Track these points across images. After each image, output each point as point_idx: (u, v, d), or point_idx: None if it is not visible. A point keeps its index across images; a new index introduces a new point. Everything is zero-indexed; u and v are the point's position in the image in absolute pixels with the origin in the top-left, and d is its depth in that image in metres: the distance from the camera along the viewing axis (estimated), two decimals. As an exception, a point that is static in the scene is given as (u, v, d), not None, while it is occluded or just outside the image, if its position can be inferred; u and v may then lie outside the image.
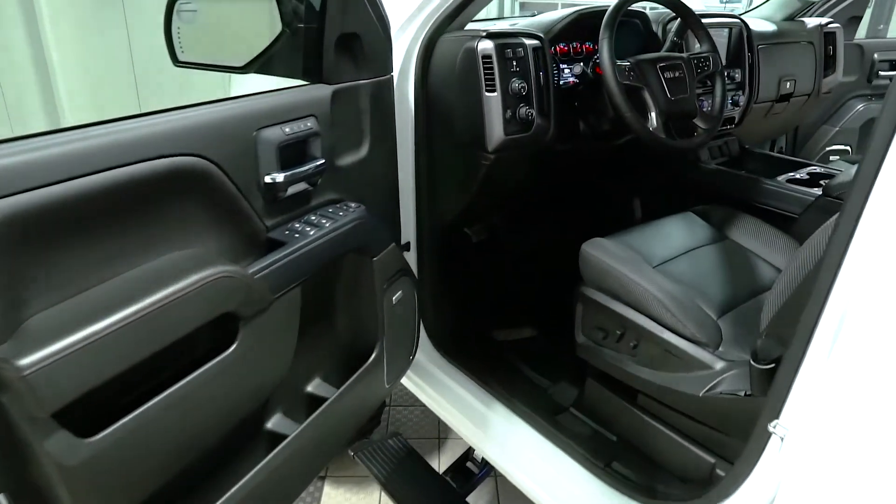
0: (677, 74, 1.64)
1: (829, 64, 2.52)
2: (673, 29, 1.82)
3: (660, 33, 1.95)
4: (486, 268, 2.08)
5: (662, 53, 1.70)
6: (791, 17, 2.52)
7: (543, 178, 1.99)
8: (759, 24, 2.34)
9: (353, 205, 1.40)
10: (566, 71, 1.69)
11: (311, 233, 1.20)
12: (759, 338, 1.13)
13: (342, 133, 1.36)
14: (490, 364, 1.89)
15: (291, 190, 1.20)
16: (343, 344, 1.47)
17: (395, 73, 1.61)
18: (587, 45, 1.91)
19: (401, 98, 1.63)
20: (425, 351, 1.91)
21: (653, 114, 1.59)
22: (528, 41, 1.58)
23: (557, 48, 1.84)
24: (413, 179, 1.77)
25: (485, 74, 1.51)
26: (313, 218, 1.30)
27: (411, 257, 1.88)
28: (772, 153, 2.22)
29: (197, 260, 0.97)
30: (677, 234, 1.75)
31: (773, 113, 2.41)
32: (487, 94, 1.52)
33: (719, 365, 1.35)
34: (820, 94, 2.53)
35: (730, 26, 2.11)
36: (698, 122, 1.67)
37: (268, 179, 1.15)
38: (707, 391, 1.34)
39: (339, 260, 1.32)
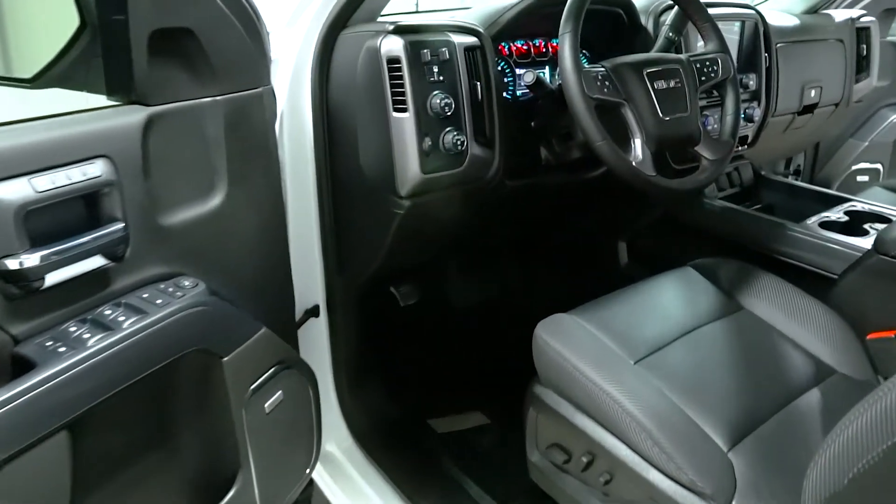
0: (673, 84, 1.16)
1: (861, 66, 2.06)
2: (668, 21, 1.33)
3: (650, 27, 1.46)
4: (420, 337, 1.60)
5: (652, 55, 1.22)
6: (814, 10, 2.04)
7: (493, 223, 1.51)
8: (778, 17, 1.86)
9: (187, 282, 0.93)
10: (525, 78, 1.21)
11: (93, 341, 0.79)
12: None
13: (170, 177, 0.94)
14: (423, 470, 1.42)
15: (57, 276, 0.79)
16: (190, 486, 1.01)
17: (285, 84, 1.18)
18: (554, 42, 1.43)
19: (293, 119, 1.19)
20: (341, 442, 1.48)
21: (637, 141, 1.11)
22: (456, 38, 1.10)
23: (512, 47, 1.36)
24: (317, 225, 1.29)
25: (391, 86, 1.04)
26: (108, 312, 0.84)
27: (321, 324, 1.40)
28: (796, 182, 1.74)
29: None
30: (672, 303, 1.27)
31: (794, 128, 1.94)
32: (396, 114, 1.05)
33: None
34: (850, 103, 2.06)
35: (742, 19, 1.63)
36: (702, 150, 1.19)
37: (8, 264, 0.73)
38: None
39: (167, 369, 0.86)
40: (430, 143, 1.07)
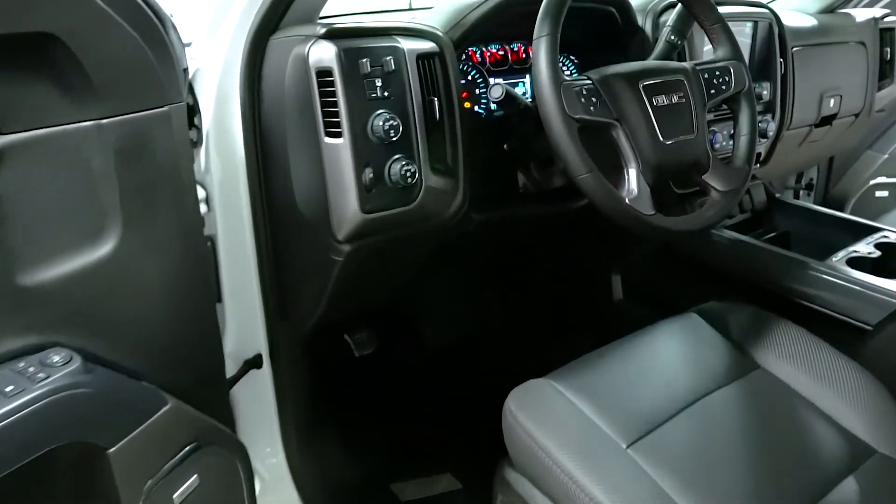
0: (676, 99, 0.94)
1: (885, 72, 1.85)
2: (669, 22, 1.11)
3: (648, 29, 1.24)
4: (382, 389, 1.39)
5: (651, 63, 1.00)
6: (831, 8, 1.82)
7: (460, 261, 1.29)
8: (791, 16, 1.64)
9: (57, 357, 0.74)
10: (492, 93, 0.99)
11: None
12: None
13: (35, 224, 0.74)
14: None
15: None
16: None
17: (210, 99, 0.99)
18: None
19: (222, 140, 1.01)
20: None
21: (632, 171, 0.89)
22: (407, 43, 0.89)
23: (485, 53, 1.15)
24: (255, 263, 1.08)
25: (322, 105, 0.82)
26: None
27: (265, 376, 1.19)
28: (816, 207, 1.53)
29: None
30: (674, 362, 1.06)
31: (810, 141, 1.73)
32: (328, 140, 0.84)
33: None
34: (871, 113, 1.85)
35: (755, 19, 1.41)
36: (712, 180, 0.97)
37: None
38: None
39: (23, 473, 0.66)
40: (371, 174, 0.86)
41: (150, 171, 0.82)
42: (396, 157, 0.88)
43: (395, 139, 0.86)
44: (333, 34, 0.85)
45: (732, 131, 1.37)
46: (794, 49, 1.53)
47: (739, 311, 1.16)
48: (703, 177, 0.97)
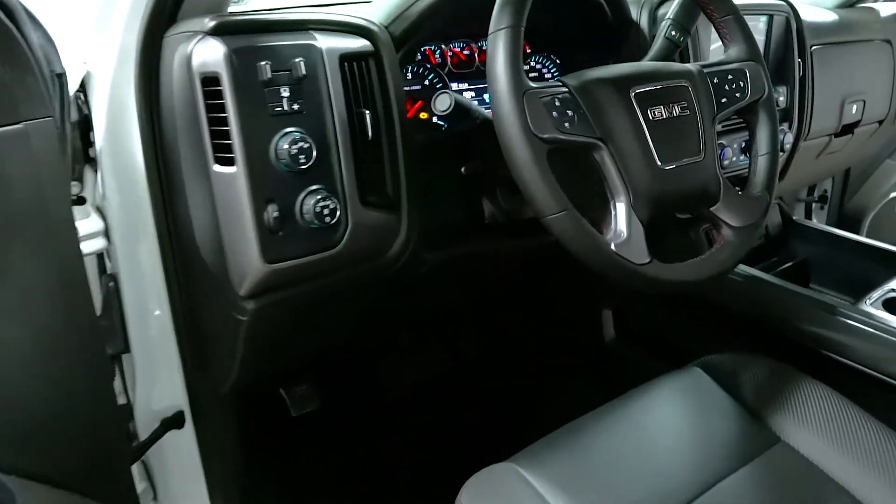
0: (678, 111, 0.73)
1: (911, 74, 1.62)
2: (670, 15, 0.89)
3: (644, 24, 1.04)
4: (329, 449, 1.18)
5: (646, 65, 0.79)
6: (851, 2, 1.61)
7: (418, 305, 1.08)
8: (808, 11, 1.43)
9: None
10: (438, 104, 0.77)
11: None
12: None
13: None
14: None
15: None
16: None
17: (102, 112, 0.79)
18: None
19: (120, 161, 0.81)
20: None
21: (620, 206, 0.68)
22: (326, 41, 0.68)
23: (446, 52, 0.95)
24: (168, 306, 0.87)
25: (210, 122, 0.61)
26: None
27: (187, 437, 0.98)
28: (839, 232, 1.32)
29: None
30: (673, 435, 0.86)
31: (829, 152, 1.53)
32: (218, 167, 0.62)
33: None
34: (896, 121, 1.64)
35: (770, 12, 1.20)
36: (724, 212, 0.76)
37: None
38: None
39: None
40: (277, 213, 0.65)
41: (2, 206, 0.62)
42: (311, 188, 0.67)
43: (307, 166, 0.65)
44: (224, 29, 0.64)
45: (744, 144, 1.17)
46: (814, 48, 1.33)
47: (753, 364, 0.95)
48: (712, 209, 0.76)
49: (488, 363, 1.32)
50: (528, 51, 1.05)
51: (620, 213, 0.68)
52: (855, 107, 1.49)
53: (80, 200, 0.86)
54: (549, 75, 1.08)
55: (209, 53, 0.63)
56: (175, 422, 0.98)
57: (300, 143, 0.64)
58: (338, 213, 0.68)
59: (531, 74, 1.06)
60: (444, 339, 1.35)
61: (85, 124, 0.83)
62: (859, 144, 1.65)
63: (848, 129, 1.51)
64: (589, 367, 1.29)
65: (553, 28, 1.05)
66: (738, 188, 1.20)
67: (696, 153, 0.73)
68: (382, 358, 1.29)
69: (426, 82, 0.95)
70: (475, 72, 1.00)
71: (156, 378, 0.94)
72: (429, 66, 0.95)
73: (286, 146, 0.64)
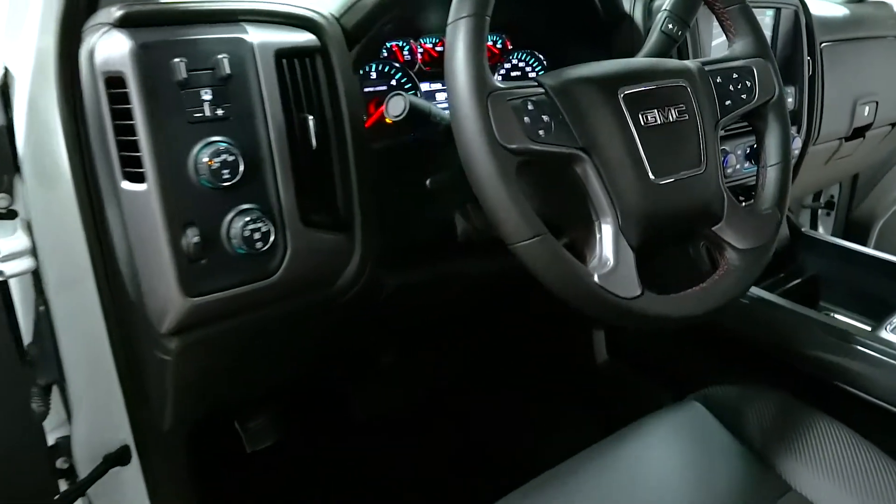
0: (675, 115, 0.63)
1: (926, 73, 1.51)
2: (667, 6, 0.79)
3: (639, 16, 0.93)
4: (289, 494, 1.07)
5: (637, 62, 0.68)
6: (861, -3, 1.52)
7: (384, 329, 0.97)
8: (819, 5, 1.32)
9: None
10: (391, 108, 0.67)
11: None
12: None
13: None
14: None
15: None
16: None
17: (23, 113, 0.69)
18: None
19: (42, 170, 0.70)
20: None
21: (606, 228, 0.58)
22: (259, 34, 0.58)
23: (414, 48, 0.84)
24: (105, 332, 0.77)
25: (115, 130, 0.50)
26: None
27: (133, 474, 0.88)
28: (852, 245, 1.21)
29: None
30: (670, 476, 0.75)
31: (838, 157, 1.43)
32: (127, 185, 0.51)
33: None
34: (910, 123, 1.54)
35: (778, 5, 1.10)
36: (728, 233, 0.66)
37: None
38: None
39: None
40: (197, 238, 0.54)
41: None
42: (240, 208, 0.56)
43: (233, 182, 0.55)
44: (132, 20, 0.54)
45: (749, 150, 1.07)
46: (823, 45, 1.22)
47: (759, 398, 0.85)
48: (714, 229, 0.65)
49: (470, 388, 1.22)
50: (510, 47, 0.95)
51: (606, 236, 0.57)
52: (867, 108, 1.39)
53: (11, 214, 0.76)
54: (533, 75, 0.98)
55: (113, 49, 0.53)
56: (120, 458, 0.88)
57: (224, 156, 0.54)
58: (272, 236, 0.57)
59: (513, 74, 0.96)
60: (424, 361, 1.25)
61: (10, 130, 0.73)
62: (870, 148, 1.55)
63: (859, 133, 1.41)
64: (580, 391, 1.19)
65: (538, 22, 0.94)
66: (741, 198, 1.11)
67: (696, 165, 0.63)
68: (357, 382, 1.19)
69: (393, 82, 0.85)
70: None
71: (96, 410, 0.84)
72: (396, 64, 0.85)
73: (205, 160, 0.54)
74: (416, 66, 0.86)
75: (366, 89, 0.83)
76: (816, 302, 1.17)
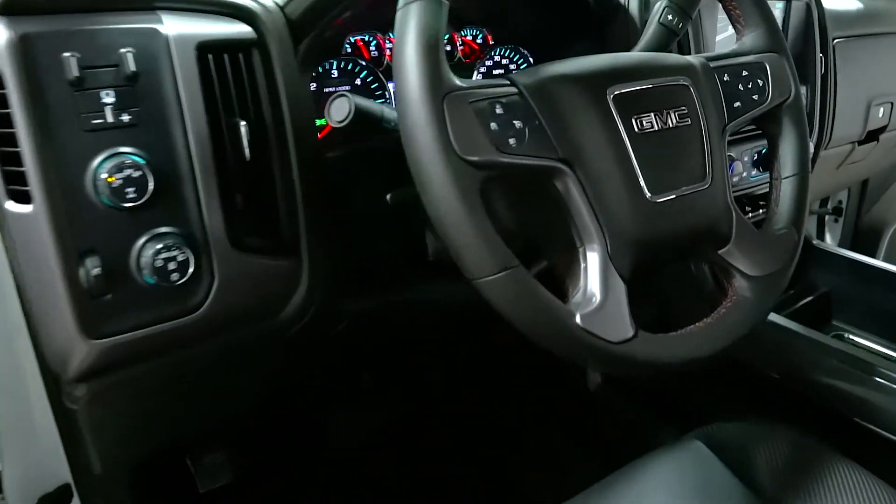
0: (675, 120, 0.53)
1: (944, 72, 1.42)
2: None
3: (634, 8, 0.84)
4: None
5: (631, 57, 0.58)
6: (875, -10, 1.41)
7: (349, 366, 0.88)
8: (831, -1, 1.23)
9: None
10: (333, 111, 0.57)
11: None
12: None
13: None
14: None
15: None
16: None
17: None
18: (466, 35, 0.83)
19: None
20: None
21: (592, 256, 0.48)
22: (177, 24, 0.48)
23: (382, 42, 0.75)
24: (35, 362, 0.66)
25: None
26: None
27: None
28: (868, 260, 1.11)
29: None
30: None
31: (850, 162, 1.33)
32: (11, 206, 0.42)
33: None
34: (926, 125, 1.44)
35: (788, -3, 1.01)
36: (735, 257, 0.56)
37: None
38: None
39: None
40: (99, 269, 0.45)
41: None
42: (153, 232, 0.47)
43: (141, 201, 0.46)
44: (16, 6, 0.44)
45: (756, 156, 0.98)
46: (836, 41, 1.13)
47: (769, 437, 0.75)
48: (721, 253, 0.56)
49: (453, 414, 1.12)
50: (491, 42, 0.85)
51: (592, 266, 0.48)
52: (882, 110, 1.29)
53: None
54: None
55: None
56: (58, 499, 0.79)
57: (128, 171, 0.45)
58: (191, 266, 0.48)
59: (495, 72, 0.86)
60: (404, 384, 1.15)
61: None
62: (884, 152, 1.45)
63: (873, 136, 1.32)
64: (572, 418, 1.09)
65: (522, 14, 0.85)
66: (748, 209, 1.01)
67: (700, 178, 0.53)
68: (333, 407, 1.09)
69: (357, 81, 0.75)
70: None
71: (29, 445, 0.75)
72: (362, 61, 0.76)
73: (104, 176, 0.44)
74: (384, 64, 0.77)
75: (326, 89, 0.73)
76: (829, 321, 1.07)
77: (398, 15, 0.43)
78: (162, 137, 0.47)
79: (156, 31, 0.47)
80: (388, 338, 0.83)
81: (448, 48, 0.82)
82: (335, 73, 0.74)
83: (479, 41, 0.85)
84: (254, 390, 0.70)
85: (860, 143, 1.30)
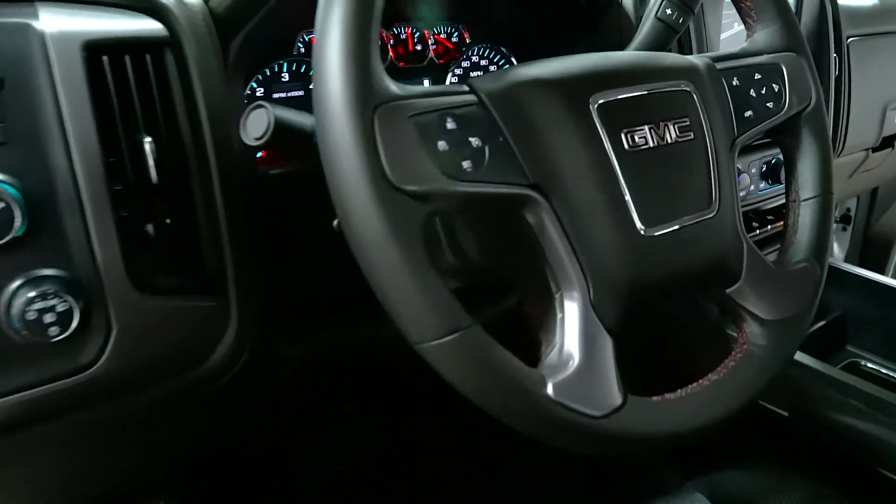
0: (674, 134, 0.44)
1: (963, 73, 1.32)
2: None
3: (629, 4, 0.74)
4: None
5: (623, 57, 0.49)
6: (889, -14, 1.32)
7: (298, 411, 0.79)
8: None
9: None
10: (250, 126, 0.47)
11: None
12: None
13: None
14: None
15: None
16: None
17: None
18: (443, 34, 0.74)
19: None
20: None
21: (570, 305, 0.39)
22: (59, 20, 0.38)
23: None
24: None
25: None
26: None
27: None
28: (885, 280, 1.02)
29: None
30: None
31: (864, 170, 1.24)
32: None
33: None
34: (943, 131, 1.35)
35: (799, -10, 0.91)
36: (746, 298, 0.46)
37: None
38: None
39: None
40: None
41: None
42: (27, 276, 0.38)
43: (7, 239, 0.37)
44: None
45: (765, 168, 0.88)
46: (850, 40, 1.04)
47: (778, 490, 0.66)
48: (729, 292, 0.46)
49: (431, 444, 1.03)
50: (468, 41, 0.76)
51: (571, 318, 0.38)
52: (898, 114, 1.20)
53: None
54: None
55: None
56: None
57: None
58: (75, 317, 0.39)
59: (473, 73, 0.77)
60: (384, 408, 1.06)
61: None
62: (898, 159, 1.36)
63: (888, 143, 1.23)
64: (564, 460, 1.00)
65: (503, 9, 0.76)
66: (755, 225, 0.92)
67: (705, 206, 0.44)
68: (303, 436, 1.00)
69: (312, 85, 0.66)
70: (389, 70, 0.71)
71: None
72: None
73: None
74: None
75: (275, 95, 0.64)
76: (843, 346, 0.98)
77: (319, 8, 0.34)
78: (36, 159, 0.38)
79: (27, 26, 0.38)
80: (352, 378, 0.74)
81: (419, 47, 0.73)
82: (285, 77, 0.65)
83: (454, 39, 0.76)
84: (186, 447, 0.61)
85: (874, 150, 1.20)
